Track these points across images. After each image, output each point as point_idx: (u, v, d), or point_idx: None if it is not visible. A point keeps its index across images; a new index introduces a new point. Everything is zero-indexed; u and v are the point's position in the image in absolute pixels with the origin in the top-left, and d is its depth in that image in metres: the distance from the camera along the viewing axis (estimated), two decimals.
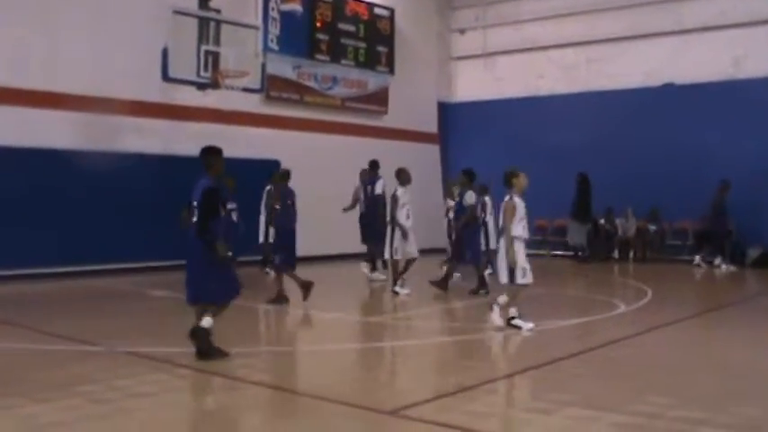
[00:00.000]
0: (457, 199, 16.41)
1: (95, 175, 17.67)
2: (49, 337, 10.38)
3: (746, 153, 21.11)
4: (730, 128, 21.46)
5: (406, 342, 10.99)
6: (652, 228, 23.13)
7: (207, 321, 9.01)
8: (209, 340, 9.03)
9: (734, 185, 20.38)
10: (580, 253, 23.09)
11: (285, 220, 13.92)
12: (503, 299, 11.07)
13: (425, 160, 18.41)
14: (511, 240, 11.01)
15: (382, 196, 17.33)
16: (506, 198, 11.45)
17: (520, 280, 10.93)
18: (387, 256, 15.73)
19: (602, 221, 23.63)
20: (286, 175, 14.84)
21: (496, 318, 11.04)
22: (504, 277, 11.08)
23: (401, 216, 15.30)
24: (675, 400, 7.26)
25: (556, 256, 23.46)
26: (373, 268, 17.70)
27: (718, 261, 20.40)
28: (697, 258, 21.04)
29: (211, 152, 9.72)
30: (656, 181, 21.07)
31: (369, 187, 17.78)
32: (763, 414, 6.56)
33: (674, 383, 7.94)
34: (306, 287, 13.25)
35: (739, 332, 11.53)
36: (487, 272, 17.49)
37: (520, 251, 11.04)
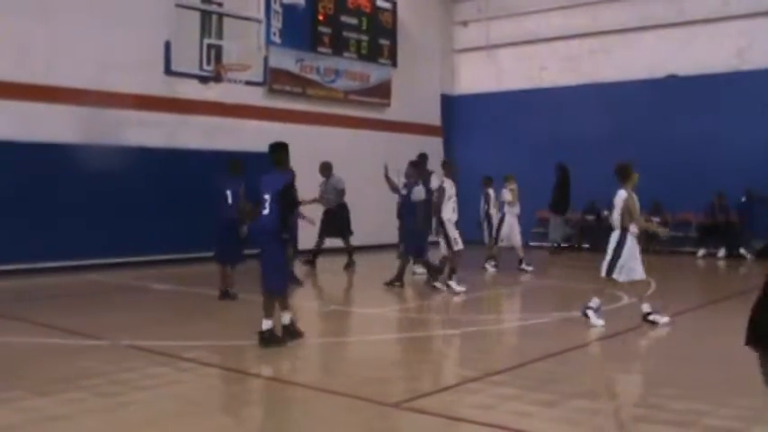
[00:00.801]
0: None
1: (98, 169, 17.65)
2: (53, 330, 10.38)
3: (750, 144, 21.08)
4: (734, 119, 21.41)
5: (407, 334, 10.98)
6: (655, 220, 23.09)
7: (287, 317, 9.63)
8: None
9: (738, 176, 20.37)
10: (554, 245, 23.27)
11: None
12: (595, 302, 11.03)
13: (428, 153, 18.40)
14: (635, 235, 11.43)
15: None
16: (623, 192, 11.86)
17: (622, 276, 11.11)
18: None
19: (605, 213, 23.57)
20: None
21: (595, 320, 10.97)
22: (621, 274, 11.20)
23: (448, 210, 14.60)
24: (679, 390, 7.25)
25: (561, 248, 23.41)
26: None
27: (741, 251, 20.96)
28: (701, 251, 21.08)
29: (281, 148, 9.80)
30: (659, 173, 20.96)
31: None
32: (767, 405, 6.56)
33: (677, 374, 7.93)
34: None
35: (743, 323, 11.49)
36: (491, 266, 17.69)
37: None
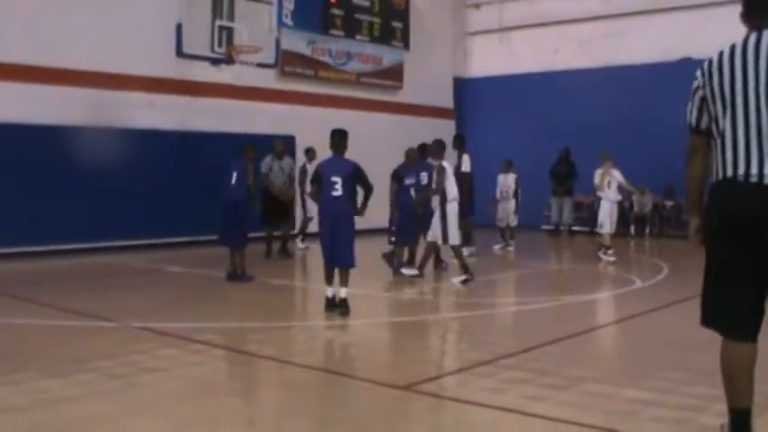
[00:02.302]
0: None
1: (109, 152, 17.70)
2: (65, 312, 10.40)
3: None
4: None
5: (419, 317, 10.97)
6: (668, 204, 23.03)
7: (345, 291, 10.34)
8: None
9: None
10: (556, 228, 23.39)
11: None
12: None
13: (441, 136, 18.25)
14: None
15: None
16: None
17: None
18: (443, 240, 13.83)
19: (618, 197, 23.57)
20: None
21: None
22: None
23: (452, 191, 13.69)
24: (690, 375, 7.22)
25: (573, 232, 23.36)
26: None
27: None
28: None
29: (344, 134, 10.56)
30: (673, 157, 20.67)
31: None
32: None
33: (688, 359, 7.89)
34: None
35: None
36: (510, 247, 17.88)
37: None
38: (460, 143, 17.49)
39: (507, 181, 19.44)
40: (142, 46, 18.57)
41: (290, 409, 6.50)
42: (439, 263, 15.01)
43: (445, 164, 13.60)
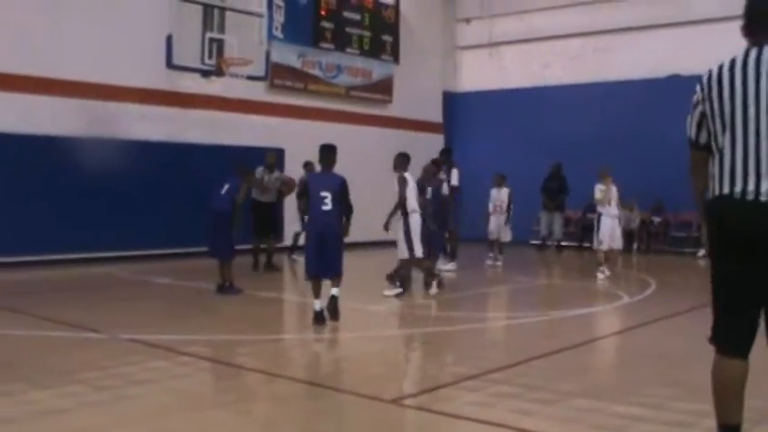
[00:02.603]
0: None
1: (99, 163, 17.67)
2: (54, 324, 10.36)
3: None
4: None
5: (407, 331, 10.97)
6: (656, 219, 23.10)
7: (337, 290, 10.63)
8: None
9: None
10: (543, 242, 23.48)
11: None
12: None
13: (430, 150, 18.43)
14: None
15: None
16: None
17: None
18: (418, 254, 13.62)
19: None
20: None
21: None
22: None
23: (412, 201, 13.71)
24: (680, 391, 7.23)
25: (561, 247, 23.41)
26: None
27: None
28: (702, 252, 21.05)
29: (334, 149, 10.82)
30: (661, 172, 20.92)
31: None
32: None
33: (678, 375, 7.91)
34: None
35: None
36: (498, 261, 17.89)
37: None
38: (448, 156, 17.63)
39: (500, 195, 19.28)
40: (133, 57, 18.57)
41: (277, 422, 6.50)
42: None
43: (407, 175, 13.55)
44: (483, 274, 17.60)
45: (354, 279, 15.14)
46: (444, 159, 17.56)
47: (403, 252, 13.36)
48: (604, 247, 16.57)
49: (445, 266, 17.18)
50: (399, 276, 13.69)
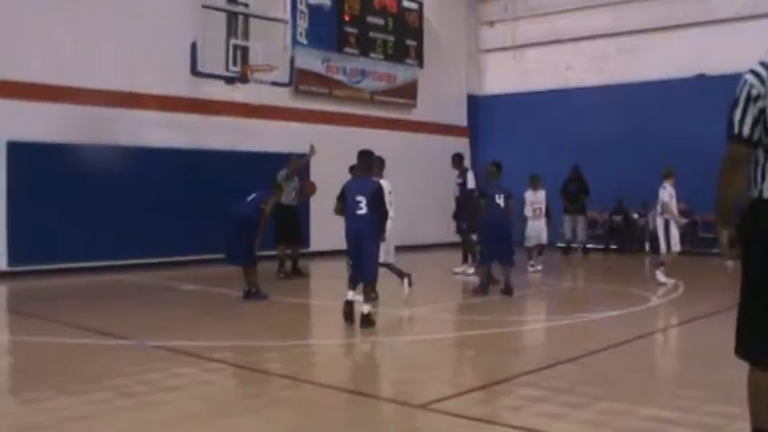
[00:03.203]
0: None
1: (125, 171, 17.75)
2: (81, 330, 10.40)
3: None
4: None
5: (433, 336, 10.92)
6: (683, 221, 22.94)
7: (368, 308, 10.66)
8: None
9: None
10: (568, 246, 23.31)
11: None
12: None
13: (452, 155, 18.54)
14: None
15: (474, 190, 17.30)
16: None
17: None
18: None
19: (635, 215, 23.58)
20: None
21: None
22: None
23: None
24: (711, 393, 7.16)
25: (587, 249, 23.30)
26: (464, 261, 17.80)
27: None
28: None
29: (372, 156, 11.29)
30: (688, 174, 20.80)
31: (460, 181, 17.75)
32: None
33: (708, 377, 7.83)
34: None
35: None
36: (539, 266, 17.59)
37: None
38: (460, 161, 17.69)
39: (537, 197, 18.80)
40: (157, 64, 18.64)
41: (304, 428, 6.48)
42: (494, 281, 14.89)
43: (383, 182, 13.27)
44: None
45: (379, 283, 15.13)
46: (455, 163, 17.96)
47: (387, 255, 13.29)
48: (677, 249, 15.87)
49: (468, 270, 17.21)
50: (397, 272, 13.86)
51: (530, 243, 18.69)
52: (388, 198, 12.79)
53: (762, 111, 4.40)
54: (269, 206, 13.58)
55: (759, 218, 4.51)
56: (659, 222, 16.00)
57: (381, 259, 12.77)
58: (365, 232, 10.69)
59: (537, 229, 18.63)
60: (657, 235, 16.02)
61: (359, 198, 10.68)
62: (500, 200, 14.12)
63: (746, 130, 4.43)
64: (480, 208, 14.18)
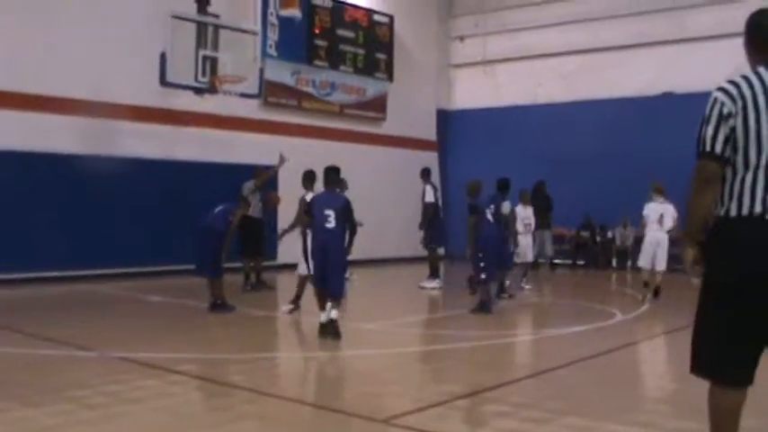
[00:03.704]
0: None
1: (93, 180, 17.66)
2: (44, 341, 10.30)
3: None
4: None
5: (398, 350, 10.91)
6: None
7: (336, 313, 10.71)
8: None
9: None
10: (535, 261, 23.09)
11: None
12: None
13: (423, 167, 18.61)
14: None
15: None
16: None
17: None
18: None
19: (608, 233, 23.75)
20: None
21: None
22: None
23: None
24: (673, 409, 7.20)
25: (555, 265, 23.39)
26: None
27: None
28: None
29: (338, 171, 11.39)
30: None
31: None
32: (764, 425, 6.48)
33: (670, 393, 7.88)
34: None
35: None
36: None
37: None
38: (427, 175, 17.85)
39: (527, 213, 18.08)
40: (126, 74, 18.56)
41: None
42: (501, 293, 15.45)
43: (308, 196, 13.20)
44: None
45: (350, 296, 15.12)
46: (422, 177, 18.21)
47: (302, 269, 12.97)
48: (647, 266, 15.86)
49: (430, 284, 17.30)
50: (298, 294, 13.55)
51: (518, 259, 17.78)
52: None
53: (732, 129, 4.45)
54: (236, 218, 13.55)
55: (724, 237, 4.55)
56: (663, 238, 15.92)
57: (300, 272, 13.00)
58: (332, 245, 10.76)
59: (525, 246, 17.93)
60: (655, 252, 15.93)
61: (327, 212, 10.74)
62: (490, 215, 14.09)
63: (719, 148, 4.47)
64: (470, 226, 14.07)
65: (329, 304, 10.79)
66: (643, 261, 15.93)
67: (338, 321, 10.74)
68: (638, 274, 19.71)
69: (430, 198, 17.71)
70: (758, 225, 4.43)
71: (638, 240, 22.81)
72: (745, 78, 4.56)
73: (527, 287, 17.69)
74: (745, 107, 4.45)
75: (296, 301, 13.45)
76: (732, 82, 4.55)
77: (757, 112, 4.44)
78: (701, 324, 4.64)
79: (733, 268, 4.46)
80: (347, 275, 13.79)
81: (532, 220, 18.20)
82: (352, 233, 11.08)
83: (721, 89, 4.54)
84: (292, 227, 13.93)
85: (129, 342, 10.34)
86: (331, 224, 10.73)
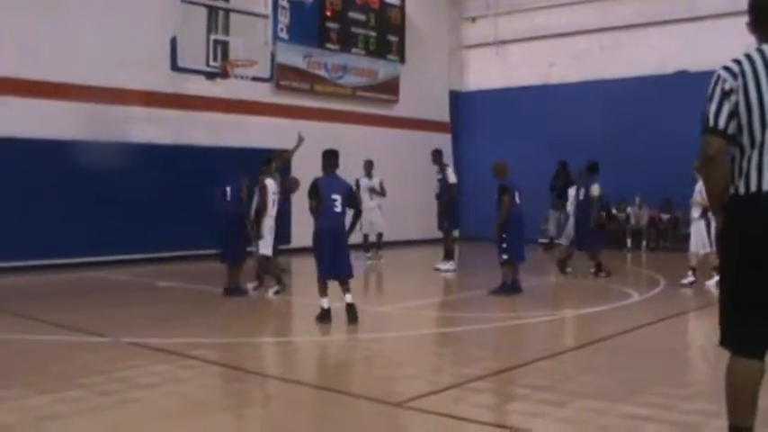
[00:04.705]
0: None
1: (104, 166, 17.59)
2: (56, 327, 10.31)
3: None
4: None
5: (413, 332, 10.86)
6: (665, 217, 22.98)
7: (351, 296, 10.76)
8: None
9: None
10: (551, 241, 23.01)
11: None
12: None
13: (431, 151, 18.53)
14: None
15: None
16: None
17: None
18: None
19: (614, 210, 23.55)
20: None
21: None
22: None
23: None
24: (688, 390, 7.14)
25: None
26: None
27: None
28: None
29: (337, 154, 11.14)
30: (669, 169, 20.75)
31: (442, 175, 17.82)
32: None
33: (686, 374, 7.82)
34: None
35: None
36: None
37: None
38: (439, 157, 17.73)
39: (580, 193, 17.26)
40: (137, 60, 18.49)
41: (281, 425, 6.41)
42: (599, 271, 16.21)
43: (268, 182, 13.58)
44: (487, 273, 17.46)
45: (359, 279, 15.10)
46: (435, 159, 18.07)
47: (267, 249, 13.56)
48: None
49: (445, 267, 17.26)
50: (262, 272, 14.00)
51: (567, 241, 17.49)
52: (270, 198, 13.47)
53: (736, 105, 4.49)
54: (245, 192, 13.55)
55: (733, 215, 4.58)
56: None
57: (263, 251, 13.46)
58: (340, 229, 10.84)
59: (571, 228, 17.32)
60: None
61: (334, 196, 10.77)
62: (517, 197, 13.99)
63: (722, 123, 4.51)
64: (505, 204, 13.91)
65: (344, 288, 10.75)
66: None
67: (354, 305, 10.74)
68: (653, 255, 19.72)
69: (453, 179, 17.62)
70: (765, 202, 4.46)
71: (653, 220, 22.88)
72: (747, 56, 4.57)
73: (569, 270, 17.10)
74: (745, 83, 4.48)
75: (261, 279, 13.83)
76: (735, 60, 4.57)
77: (758, 87, 4.47)
78: (721, 298, 4.72)
79: (743, 245, 4.51)
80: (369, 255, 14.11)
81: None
82: (357, 215, 11.31)
83: (724, 67, 4.59)
84: (259, 215, 13.58)
85: (141, 328, 10.35)
86: (338, 208, 10.76)
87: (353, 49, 23.94)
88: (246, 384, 7.76)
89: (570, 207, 17.58)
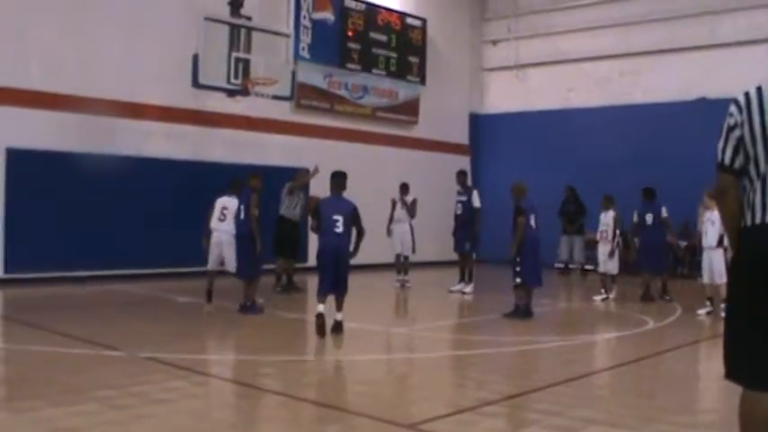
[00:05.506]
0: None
1: (124, 180, 17.72)
2: (72, 340, 10.35)
3: None
4: None
5: (427, 354, 10.87)
6: (683, 243, 22.89)
7: (341, 315, 11.23)
8: None
9: None
10: (566, 266, 23.19)
11: None
12: None
13: (456, 171, 18.49)
14: None
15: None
16: None
17: None
18: None
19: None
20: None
21: None
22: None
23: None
24: (702, 420, 7.11)
25: (585, 271, 23.22)
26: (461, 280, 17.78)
27: None
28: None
29: (345, 176, 11.52)
30: (688, 196, 20.73)
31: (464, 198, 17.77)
32: None
33: (701, 403, 7.79)
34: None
35: None
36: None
37: None
38: (464, 178, 17.76)
39: (606, 219, 17.24)
40: (159, 75, 18.64)
41: None
42: (664, 294, 16.65)
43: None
44: (501, 296, 17.45)
45: (373, 300, 15.10)
46: (460, 181, 18.09)
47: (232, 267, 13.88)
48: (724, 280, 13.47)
49: (462, 288, 17.24)
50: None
51: (599, 268, 17.42)
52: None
53: (740, 139, 4.52)
54: (255, 205, 13.55)
55: (742, 245, 4.58)
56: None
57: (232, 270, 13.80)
58: (342, 250, 11.11)
59: (603, 254, 17.21)
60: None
61: (336, 217, 11.07)
62: (532, 220, 13.94)
63: (727, 159, 4.56)
64: (519, 226, 13.85)
65: (337, 305, 11.24)
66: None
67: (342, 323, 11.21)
68: (671, 282, 19.61)
69: (478, 204, 17.50)
70: (766, 233, 4.44)
71: (670, 247, 22.79)
72: (758, 87, 4.56)
73: (599, 298, 16.91)
74: (750, 115, 4.49)
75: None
76: (745, 92, 4.58)
77: (763, 118, 4.46)
78: (725, 329, 4.67)
79: (749, 277, 4.46)
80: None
81: (611, 227, 17.15)
82: (360, 236, 11.36)
83: (733, 100, 4.61)
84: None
85: (158, 342, 10.38)
86: (339, 229, 11.03)
87: (374, 70, 24.02)
88: (259, 402, 7.79)
89: (604, 232, 17.23)
